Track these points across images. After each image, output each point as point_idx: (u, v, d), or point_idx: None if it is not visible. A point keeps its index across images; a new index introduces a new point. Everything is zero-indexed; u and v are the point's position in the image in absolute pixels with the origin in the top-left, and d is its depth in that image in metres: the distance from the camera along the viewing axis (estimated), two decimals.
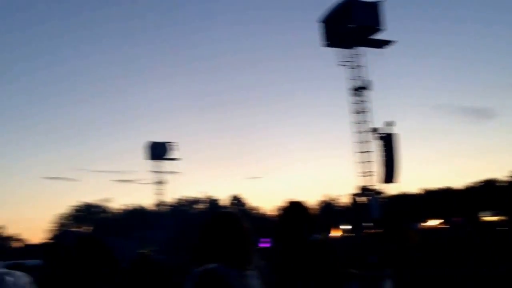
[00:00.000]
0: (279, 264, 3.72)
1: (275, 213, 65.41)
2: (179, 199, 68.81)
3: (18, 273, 2.18)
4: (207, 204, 72.40)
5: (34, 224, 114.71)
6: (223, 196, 74.57)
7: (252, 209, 70.99)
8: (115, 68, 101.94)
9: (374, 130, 30.49)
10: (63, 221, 70.12)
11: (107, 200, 71.15)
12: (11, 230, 70.72)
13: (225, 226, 2.65)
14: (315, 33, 32.73)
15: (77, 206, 71.27)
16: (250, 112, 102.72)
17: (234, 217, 2.71)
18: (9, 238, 64.72)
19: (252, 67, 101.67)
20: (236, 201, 73.41)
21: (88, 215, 70.94)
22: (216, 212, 2.79)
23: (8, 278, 2.10)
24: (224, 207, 67.64)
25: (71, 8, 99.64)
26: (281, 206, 3.91)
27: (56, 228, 68.58)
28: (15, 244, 63.77)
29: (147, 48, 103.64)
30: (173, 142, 48.20)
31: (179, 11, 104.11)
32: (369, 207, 30.20)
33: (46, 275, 6.59)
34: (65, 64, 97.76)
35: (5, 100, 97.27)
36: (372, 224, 28.59)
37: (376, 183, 30.87)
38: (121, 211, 70.82)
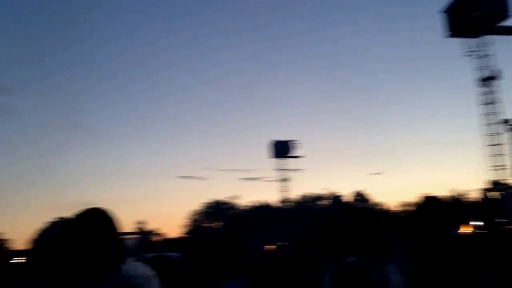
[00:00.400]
0: (418, 261, 3.55)
1: (399, 209, 63.94)
2: (303, 196, 69.81)
3: (143, 267, 2.45)
4: (331, 200, 72.54)
5: (171, 220, 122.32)
6: (346, 192, 74.17)
7: (375, 205, 69.81)
8: (240, 71, 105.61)
9: (505, 121, 29.07)
10: (196, 217, 74.37)
11: (235, 197, 74.05)
12: (151, 225, 76.25)
13: (365, 220, 2.69)
14: (438, 24, 31.92)
15: (208, 203, 74.89)
16: (372, 107, 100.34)
17: (374, 212, 2.78)
18: (150, 232, 69.89)
19: (373, 61, 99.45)
20: (359, 197, 72.57)
21: (218, 212, 74.38)
22: (356, 207, 2.93)
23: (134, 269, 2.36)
24: (348, 203, 67.39)
25: (207, 14, 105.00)
26: (416, 202, 3.79)
27: (190, 224, 73.13)
28: (155, 238, 68.60)
29: (270, 48, 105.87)
30: (296, 140, 49.16)
31: (300, 9, 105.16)
32: (502, 202, 28.87)
33: (186, 266, 7.53)
34: (198, 69, 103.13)
35: (148, 107, 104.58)
36: (506, 220, 27.39)
37: (509, 177, 29.44)
38: (248, 208, 73.32)
